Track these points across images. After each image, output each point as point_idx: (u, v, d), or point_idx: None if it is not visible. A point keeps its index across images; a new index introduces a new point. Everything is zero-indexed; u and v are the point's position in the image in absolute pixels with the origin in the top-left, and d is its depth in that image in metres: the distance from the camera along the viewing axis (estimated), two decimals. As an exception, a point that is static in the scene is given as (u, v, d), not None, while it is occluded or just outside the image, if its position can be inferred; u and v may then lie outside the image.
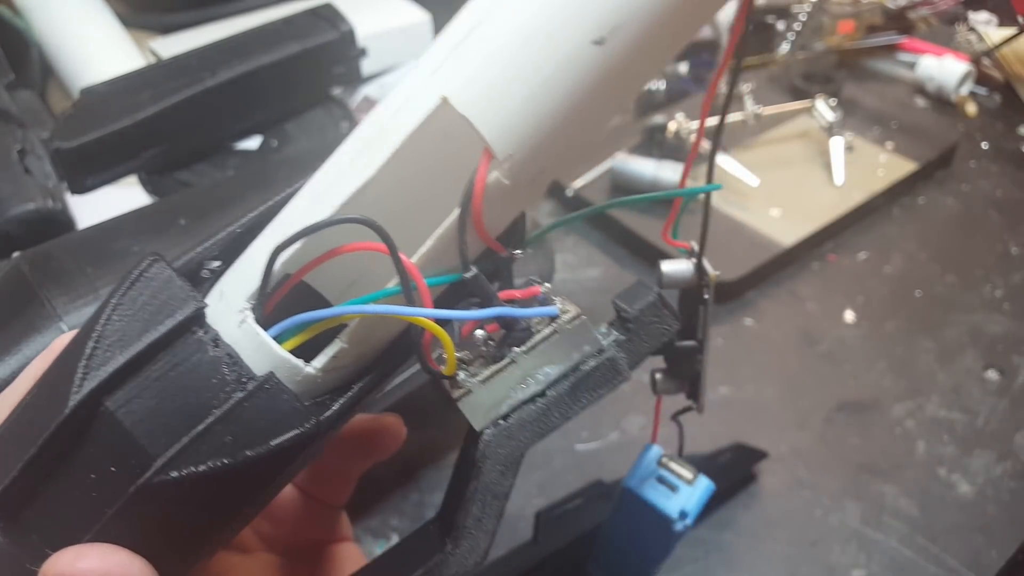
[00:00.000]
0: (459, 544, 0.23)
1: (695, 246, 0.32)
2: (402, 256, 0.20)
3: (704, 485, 0.34)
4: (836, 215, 0.66)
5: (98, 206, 0.46)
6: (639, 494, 0.35)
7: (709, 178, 0.30)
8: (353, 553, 0.33)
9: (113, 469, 0.20)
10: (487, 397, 0.22)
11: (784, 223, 0.65)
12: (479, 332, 0.22)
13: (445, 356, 0.22)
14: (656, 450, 0.36)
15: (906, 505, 0.47)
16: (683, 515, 0.33)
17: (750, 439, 0.49)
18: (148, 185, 0.51)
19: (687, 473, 0.34)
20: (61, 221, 0.42)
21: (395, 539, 0.47)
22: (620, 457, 0.49)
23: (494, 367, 0.22)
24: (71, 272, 0.37)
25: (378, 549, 0.46)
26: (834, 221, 0.66)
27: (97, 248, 0.38)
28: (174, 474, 0.20)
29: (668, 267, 0.32)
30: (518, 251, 0.23)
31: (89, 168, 0.46)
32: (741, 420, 0.52)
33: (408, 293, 0.20)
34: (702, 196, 0.32)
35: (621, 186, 0.68)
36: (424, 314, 0.20)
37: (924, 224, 0.69)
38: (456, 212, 0.20)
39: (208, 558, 0.23)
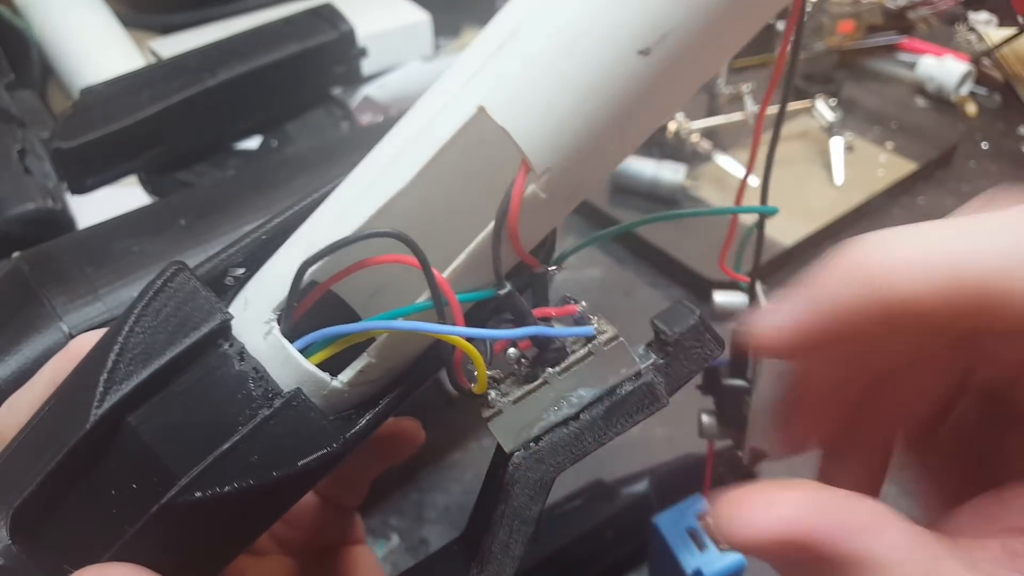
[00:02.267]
0: (484, 569, 0.22)
1: (758, 285, 0.30)
2: (434, 272, 0.19)
3: (735, 559, 0.32)
4: (836, 215, 0.66)
5: (98, 206, 0.46)
6: (664, 536, 0.33)
7: (763, 199, 0.28)
8: (366, 556, 0.33)
9: (135, 486, 0.19)
10: (518, 418, 0.21)
11: (784, 223, 0.65)
12: (512, 350, 0.21)
13: (476, 374, 0.21)
14: (703, 504, 0.34)
15: (907, 505, 0.47)
16: (697, 574, 0.32)
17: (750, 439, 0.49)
18: (148, 185, 0.51)
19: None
20: (61, 221, 0.42)
21: (395, 539, 0.47)
22: (620, 457, 0.49)
23: (526, 387, 0.21)
24: (71, 272, 0.37)
25: (378, 549, 0.46)
26: (834, 221, 0.66)
27: (97, 248, 0.38)
28: (197, 494, 0.19)
29: (721, 298, 0.30)
30: (553, 267, 0.22)
31: (89, 168, 0.46)
32: (741, 420, 0.52)
33: (440, 309, 0.19)
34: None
35: (621, 186, 0.68)
36: (457, 332, 0.20)
37: (924, 224, 0.68)
38: (491, 226, 0.19)
39: (226, 568, 0.23)
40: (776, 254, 0.62)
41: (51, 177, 0.44)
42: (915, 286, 0.18)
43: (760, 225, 0.29)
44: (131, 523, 0.19)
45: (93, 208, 0.46)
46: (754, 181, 0.29)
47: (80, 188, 0.47)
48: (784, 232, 0.64)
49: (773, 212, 0.26)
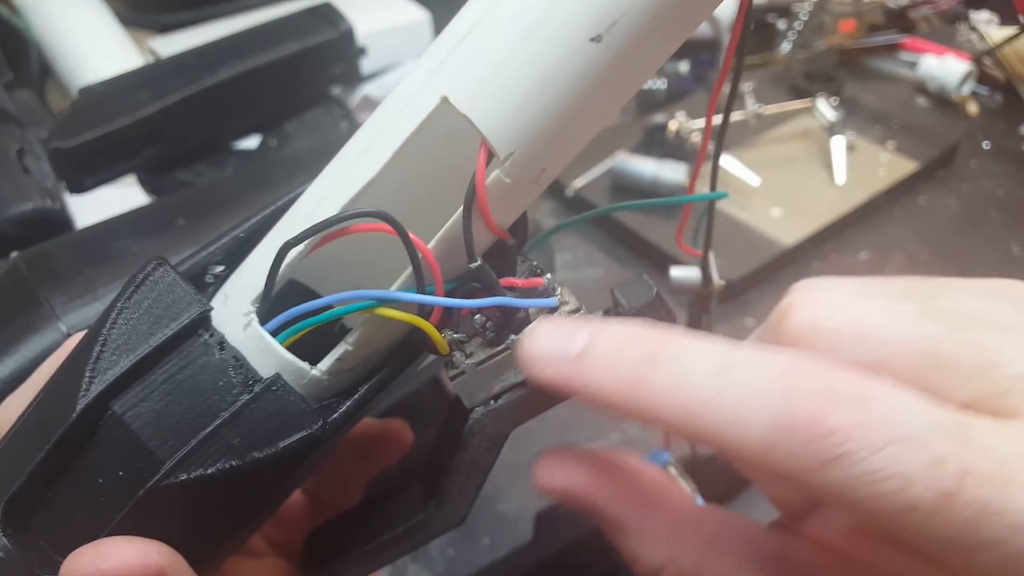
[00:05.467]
0: (441, 507, 0.23)
1: (712, 257, 0.32)
2: (415, 238, 0.20)
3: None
4: (837, 215, 0.66)
5: (96, 206, 0.46)
6: None
7: (712, 185, 0.30)
8: None
9: (121, 473, 0.20)
10: (480, 378, 0.23)
11: (785, 223, 0.65)
12: (477, 317, 0.22)
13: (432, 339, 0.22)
14: (665, 456, 0.35)
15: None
16: None
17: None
18: (147, 185, 0.51)
19: (686, 488, 0.34)
20: (59, 221, 0.42)
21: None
22: (620, 457, 0.49)
23: (489, 351, 0.22)
24: (69, 272, 0.36)
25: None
26: (835, 221, 0.66)
27: (95, 248, 0.38)
28: (183, 477, 0.20)
29: (677, 272, 0.33)
30: (536, 265, 0.23)
31: (87, 168, 0.46)
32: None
33: (419, 273, 0.20)
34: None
35: (621, 186, 0.68)
36: (416, 300, 0.20)
37: (925, 224, 0.68)
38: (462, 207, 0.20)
39: (219, 564, 0.23)
40: (777, 254, 0.62)
41: (50, 177, 0.44)
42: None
43: (710, 210, 0.32)
44: (119, 509, 0.20)
45: (92, 208, 0.46)
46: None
47: (79, 188, 0.47)
48: (785, 232, 0.64)
49: (723, 196, 0.28)
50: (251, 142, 0.54)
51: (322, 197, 0.21)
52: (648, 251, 0.64)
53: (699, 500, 0.34)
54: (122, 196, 0.52)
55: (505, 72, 0.19)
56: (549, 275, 0.23)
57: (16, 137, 0.44)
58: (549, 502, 0.44)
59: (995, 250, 0.66)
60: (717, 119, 0.28)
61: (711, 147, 0.29)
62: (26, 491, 0.20)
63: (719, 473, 0.46)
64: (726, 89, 0.27)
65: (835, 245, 0.66)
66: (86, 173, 0.46)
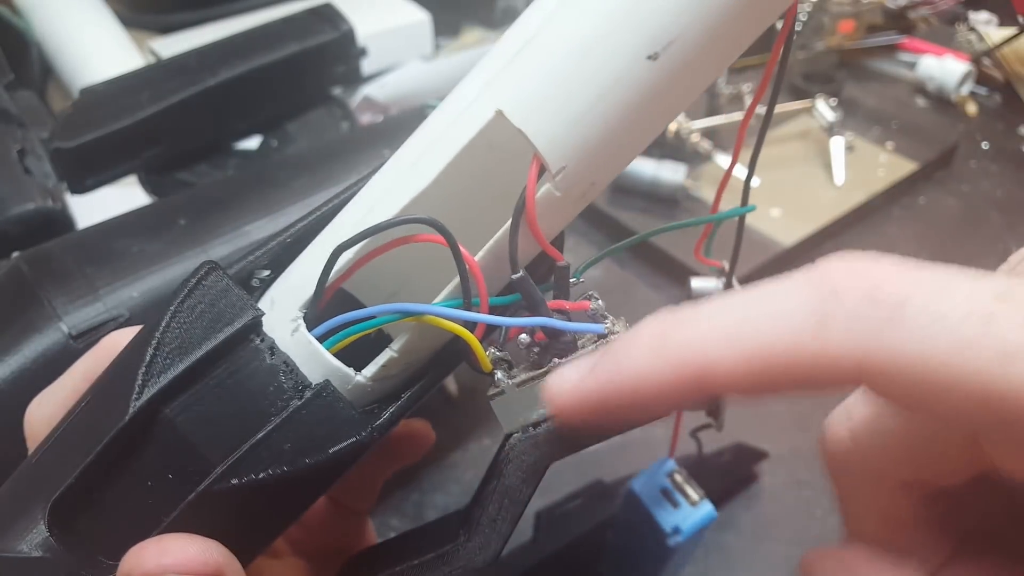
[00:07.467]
0: (472, 538, 0.23)
1: (726, 265, 0.32)
2: (464, 251, 0.20)
3: (706, 510, 0.34)
4: (836, 215, 0.66)
5: (98, 206, 0.46)
6: (641, 499, 0.35)
7: (744, 199, 0.30)
8: None
9: (170, 476, 0.20)
10: (520, 401, 0.22)
11: (784, 223, 0.65)
12: (523, 336, 0.22)
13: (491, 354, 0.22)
14: (670, 464, 0.36)
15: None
16: (676, 531, 0.33)
17: (750, 439, 0.49)
18: (148, 185, 0.51)
19: (693, 494, 0.34)
20: (61, 221, 0.42)
21: (395, 539, 0.46)
22: (621, 457, 0.49)
23: (532, 373, 0.22)
24: (71, 272, 0.36)
25: (378, 549, 0.46)
26: (834, 221, 0.66)
27: (97, 248, 0.38)
28: (234, 481, 0.20)
29: (698, 284, 0.32)
30: (573, 279, 0.23)
31: (89, 168, 0.46)
32: (741, 420, 0.51)
33: (466, 287, 0.20)
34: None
35: (621, 186, 0.68)
36: (463, 317, 0.20)
37: (924, 224, 0.68)
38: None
39: (249, 562, 0.23)
40: (776, 254, 0.62)
41: (51, 177, 0.44)
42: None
43: (740, 224, 0.31)
44: (167, 512, 0.20)
45: (93, 208, 0.46)
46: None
47: (80, 188, 0.47)
48: (784, 232, 0.64)
49: (751, 209, 0.28)
50: (252, 143, 0.54)
51: (372, 205, 0.21)
52: (649, 252, 0.64)
53: (709, 505, 0.34)
54: (123, 196, 0.53)
55: (560, 87, 0.19)
56: (600, 301, 0.22)
57: (17, 137, 0.44)
58: (549, 502, 0.44)
59: (994, 250, 0.66)
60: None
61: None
62: (73, 492, 0.20)
63: (721, 474, 0.47)
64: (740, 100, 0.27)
65: (834, 245, 0.66)
66: (87, 173, 0.46)
